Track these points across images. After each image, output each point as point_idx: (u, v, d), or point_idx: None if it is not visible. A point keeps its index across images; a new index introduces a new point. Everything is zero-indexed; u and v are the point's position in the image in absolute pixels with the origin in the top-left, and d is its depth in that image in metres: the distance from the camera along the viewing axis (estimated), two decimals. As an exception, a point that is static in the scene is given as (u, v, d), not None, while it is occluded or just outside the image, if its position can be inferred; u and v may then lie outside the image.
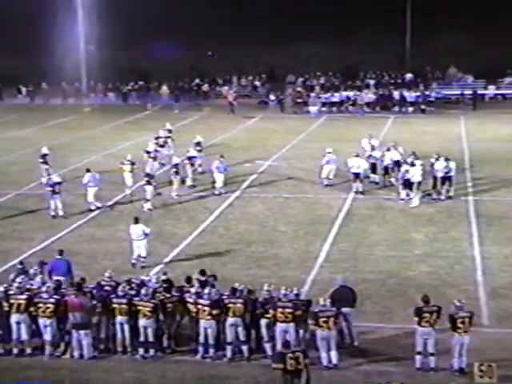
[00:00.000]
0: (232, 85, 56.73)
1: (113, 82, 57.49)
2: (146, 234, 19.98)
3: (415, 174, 25.10)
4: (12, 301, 15.29)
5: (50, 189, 24.62)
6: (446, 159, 26.03)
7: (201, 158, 29.87)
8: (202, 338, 14.98)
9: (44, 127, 44.74)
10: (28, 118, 47.90)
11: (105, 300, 15.32)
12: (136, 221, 20.24)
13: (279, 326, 14.62)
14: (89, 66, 56.52)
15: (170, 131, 34.48)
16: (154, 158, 28.81)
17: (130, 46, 60.43)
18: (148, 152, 29.52)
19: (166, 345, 15.33)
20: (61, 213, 24.56)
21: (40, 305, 15.14)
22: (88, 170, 25.97)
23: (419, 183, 25.27)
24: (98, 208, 25.35)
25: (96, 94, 56.45)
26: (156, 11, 62.60)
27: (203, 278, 16.17)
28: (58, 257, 17.73)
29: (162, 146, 32.08)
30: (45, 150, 29.37)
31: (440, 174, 25.76)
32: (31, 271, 16.78)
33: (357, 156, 27.13)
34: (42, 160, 28.93)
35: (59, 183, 24.78)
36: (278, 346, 14.58)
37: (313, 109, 47.03)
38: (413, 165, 25.43)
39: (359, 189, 26.79)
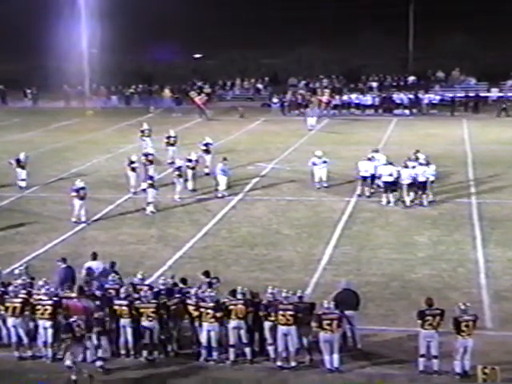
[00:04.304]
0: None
1: (115, 84, 57.60)
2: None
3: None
4: (7, 304, 15.24)
5: (74, 194, 24.18)
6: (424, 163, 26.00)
7: (197, 161, 29.51)
8: (204, 341, 14.98)
9: (47, 130, 44.81)
10: (31, 121, 47.95)
11: (108, 302, 15.31)
12: (94, 257, 17.92)
13: (280, 329, 14.60)
14: (92, 69, 56.59)
15: (142, 132, 35.18)
16: (151, 162, 28.80)
17: (132, 49, 60.55)
18: (147, 155, 29.49)
19: (169, 348, 15.32)
20: (83, 218, 24.19)
21: (38, 307, 15.09)
22: None
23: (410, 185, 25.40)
24: None
25: (99, 97, 56.48)
26: (159, 14, 62.68)
27: (207, 280, 16.14)
28: (65, 265, 17.36)
29: (172, 145, 32.44)
30: (22, 156, 28.79)
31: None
32: (16, 272, 16.72)
33: (368, 160, 26.92)
34: (16, 164, 28.62)
35: (83, 188, 24.27)
36: (279, 349, 14.62)
37: (310, 121, 42.87)
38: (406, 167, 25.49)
39: (365, 193, 26.68)
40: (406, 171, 25.26)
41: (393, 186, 25.49)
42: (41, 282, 15.61)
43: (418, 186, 25.36)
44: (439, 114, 47.85)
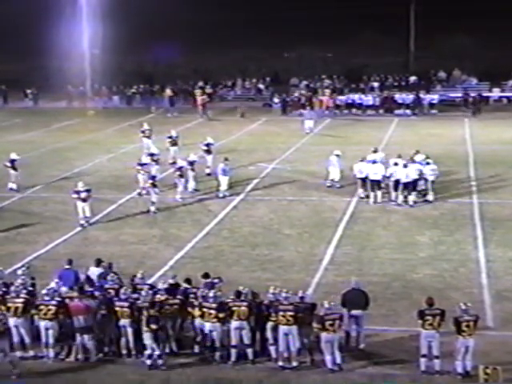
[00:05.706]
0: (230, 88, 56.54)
1: (117, 85, 57.61)
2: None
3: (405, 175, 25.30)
4: (9, 304, 15.26)
5: (75, 196, 23.93)
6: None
7: (198, 160, 29.54)
8: (208, 341, 14.99)
9: (48, 130, 44.82)
10: (32, 122, 47.91)
11: (108, 302, 15.33)
12: (98, 263, 17.43)
13: (281, 329, 14.63)
14: (93, 70, 56.60)
15: (143, 132, 35.60)
16: (157, 161, 28.94)
17: (134, 50, 60.51)
18: (152, 155, 29.61)
19: (169, 348, 15.33)
20: (82, 221, 23.97)
21: (41, 307, 15.10)
22: None
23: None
24: None
25: (100, 97, 56.48)
26: (160, 14, 62.69)
27: (208, 281, 16.13)
28: (67, 266, 17.31)
29: (174, 145, 32.59)
30: (13, 156, 28.68)
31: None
32: (19, 272, 16.68)
33: (362, 161, 26.94)
34: (9, 165, 28.48)
35: (87, 190, 23.97)
36: (281, 349, 14.63)
37: (308, 123, 41.50)
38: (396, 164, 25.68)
39: (367, 193, 26.63)
40: (407, 170, 25.30)
41: (380, 184, 25.67)
42: (53, 284, 15.54)
43: (413, 184, 25.44)
44: (440, 113, 47.81)
